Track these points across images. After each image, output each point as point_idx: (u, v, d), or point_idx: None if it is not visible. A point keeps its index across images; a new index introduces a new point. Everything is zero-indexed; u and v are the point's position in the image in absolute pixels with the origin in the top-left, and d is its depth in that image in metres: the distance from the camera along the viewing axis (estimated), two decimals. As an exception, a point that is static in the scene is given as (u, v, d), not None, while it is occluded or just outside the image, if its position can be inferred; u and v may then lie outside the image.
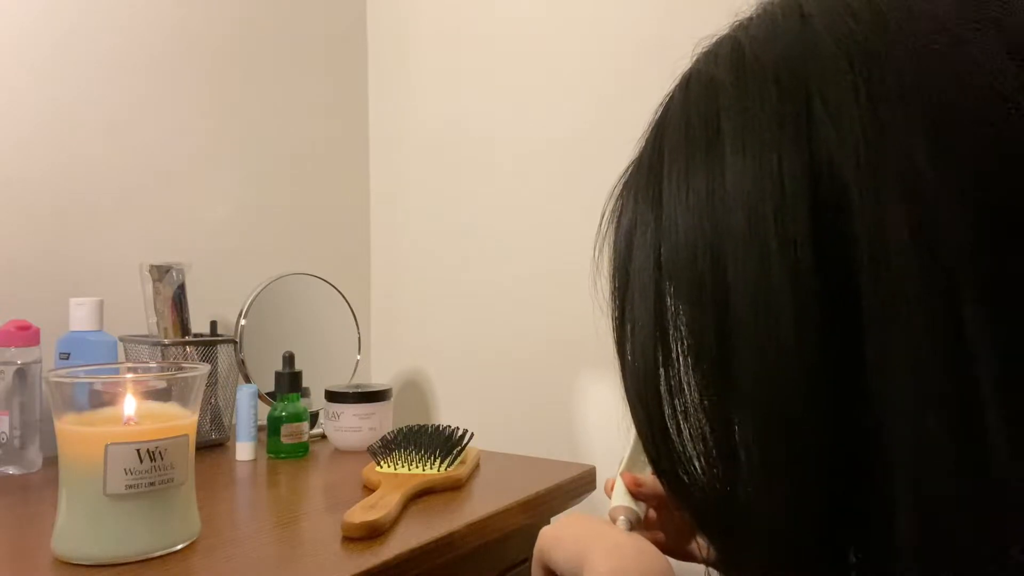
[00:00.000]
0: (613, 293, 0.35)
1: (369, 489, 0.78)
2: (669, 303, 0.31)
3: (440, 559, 0.65)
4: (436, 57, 1.33)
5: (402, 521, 0.69)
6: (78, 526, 0.59)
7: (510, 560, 0.80)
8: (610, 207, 0.36)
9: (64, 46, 1.00)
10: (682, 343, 0.30)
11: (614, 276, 0.35)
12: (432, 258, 1.33)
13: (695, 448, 0.31)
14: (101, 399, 0.61)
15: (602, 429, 1.12)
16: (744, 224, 0.28)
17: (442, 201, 1.32)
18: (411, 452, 0.82)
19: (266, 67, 1.26)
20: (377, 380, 1.39)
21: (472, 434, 0.88)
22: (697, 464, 0.31)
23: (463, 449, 0.85)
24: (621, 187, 0.35)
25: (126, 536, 0.58)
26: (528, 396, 1.19)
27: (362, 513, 0.66)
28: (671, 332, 0.31)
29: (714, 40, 0.33)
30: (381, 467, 0.82)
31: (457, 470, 0.82)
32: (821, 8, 0.29)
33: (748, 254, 0.28)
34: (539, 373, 1.18)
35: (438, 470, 0.80)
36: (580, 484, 0.86)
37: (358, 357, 1.18)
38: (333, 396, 0.98)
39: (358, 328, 1.18)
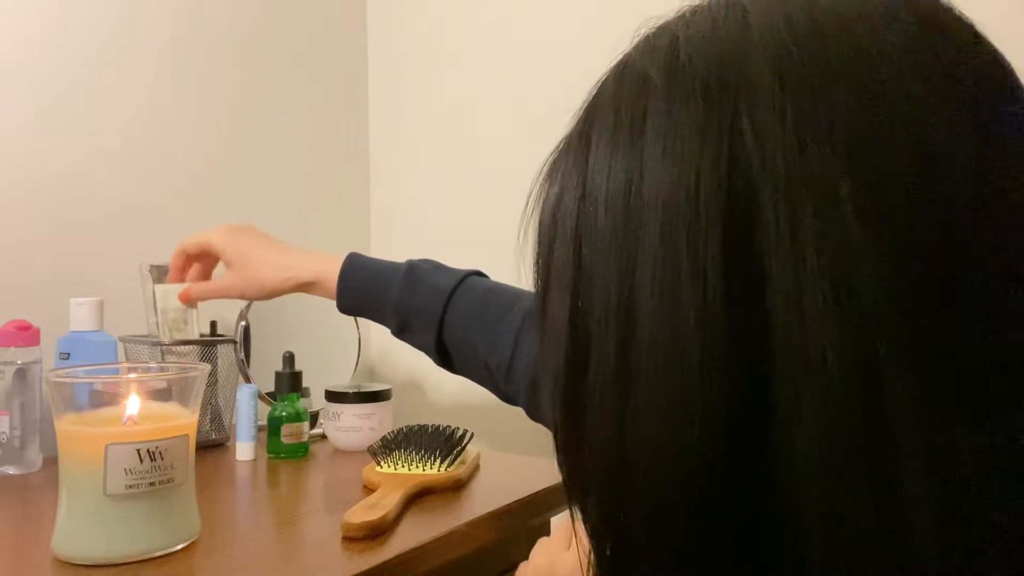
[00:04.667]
0: (535, 283, 0.33)
1: (369, 489, 0.78)
2: (581, 303, 0.29)
3: (440, 559, 0.65)
4: (436, 57, 1.33)
5: (402, 521, 0.69)
6: (78, 526, 0.59)
7: (510, 560, 0.80)
8: (536, 188, 0.34)
9: (64, 47, 1.00)
10: (589, 347, 0.29)
11: (536, 264, 0.33)
12: (432, 258, 1.33)
13: (595, 467, 0.30)
14: (101, 399, 0.61)
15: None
16: (656, 239, 0.27)
17: (442, 201, 1.32)
18: (411, 452, 0.82)
19: (266, 67, 1.26)
20: (377, 380, 1.39)
21: (472, 434, 0.88)
22: (596, 481, 0.30)
23: (463, 449, 0.85)
24: (548, 169, 0.34)
25: (126, 536, 0.58)
26: (528, 396, 1.19)
27: (362, 513, 0.66)
28: (582, 337, 0.29)
29: (656, 28, 0.31)
30: (381, 467, 0.82)
31: (457, 470, 0.82)
32: (762, 18, 0.28)
33: (657, 273, 0.27)
34: (539, 373, 1.18)
35: (438, 470, 0.80)
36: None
37: (358, 357, 1.18)
38: (333, 396, 0.98)
39: (358, 328, 1.18)
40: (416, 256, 1.38)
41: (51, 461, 0.70)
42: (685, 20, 0.30)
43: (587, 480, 0.30)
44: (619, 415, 0.28)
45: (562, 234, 0.31)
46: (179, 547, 0.61)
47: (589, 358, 0.29)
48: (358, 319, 1.18)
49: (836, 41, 0.26)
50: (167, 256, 1.00)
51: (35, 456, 0.85)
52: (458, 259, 1.29)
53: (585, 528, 0.31)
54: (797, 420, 0.24)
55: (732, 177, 0.26)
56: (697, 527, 0.27)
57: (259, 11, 1.24)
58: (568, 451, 0.31)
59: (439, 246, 1.31)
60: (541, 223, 0.33)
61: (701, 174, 0.26)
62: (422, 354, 1.35)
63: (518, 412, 1.21)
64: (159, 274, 0.95)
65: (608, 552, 0.30)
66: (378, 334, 1.41)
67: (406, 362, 1.37)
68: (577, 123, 0.32)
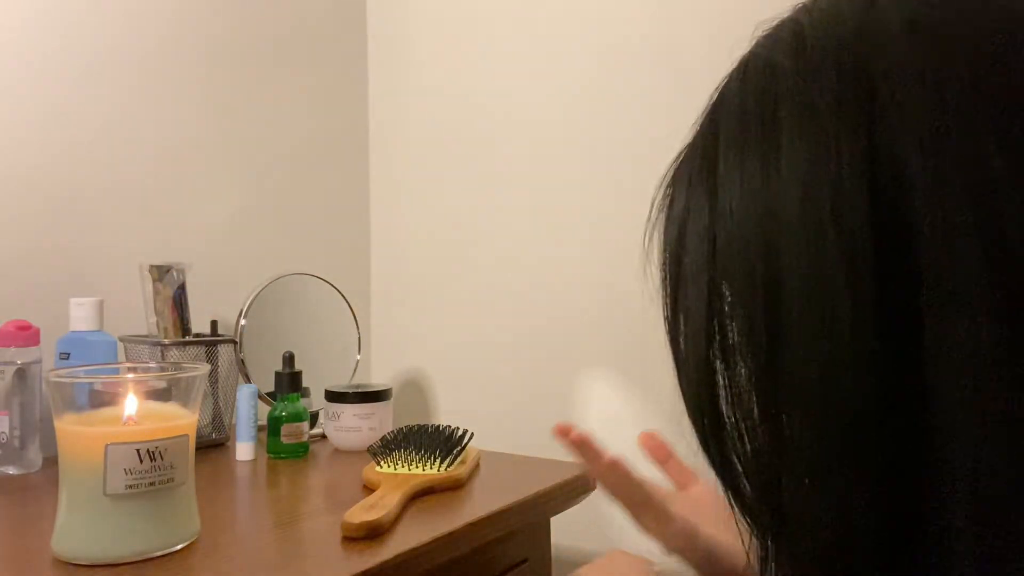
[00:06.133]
0: (664, 283, 0.34)
1: (369, 489, 0.78)
2: (721, 293, 0.30)
3: (440, 559, 0.65)
4: (436, 56, 1.33)
5: (402, 521, 0.69)
6: (78, 526, 0.59)
7: (510, 560, 0.80)
8: (660, 195, 0.35)
9: (63, 45, 1.00)
10: (734, 334, 0.30)
11: (665, 265, 0.34)
12: (432, 258, 1.33)
13: (746, 443, 0.30)
14: (101, 399, 0.61)
15: (602, 429, 1.12)
16: (799, 211, 0.27)
17: (442, 201, 1.32)
18: (411, 452, 0.82)
19: (266, 66, 1.26)
20: (377, 380, 1.39)
21: (472, 434, 0.88)
22: (749, 459, 0.30)
23: (463, 449, 0.85)
24: (672, 174, 0.34)
25: (126, 536, 0.58)
26: (528, 396, 1.19)
27: (362, 513, 0.66)
28: (723, 323, 0.30)
29: (774, 24, 0.32)
30: (381, 467, 0.82)
31: (457, 470, 0.82)
32: None
33: (802, 242, 0.27)
34: (539, 372, 1.18)
35: (438, 470, 0.80)
36: (580, 484, 0.85)
37: (358, 357, 1.18)
38: (333, 396, 0.98)
39: (358, 328, 1.18)
40: (416, 253, 1.38)
41: (51, 461, 0.70)
42: (807, 9, 0.31)
43: (738, 467, 0.31)
44: (771, 396, 0.28)
45: (693, 234, 0.31)
46: (179, 547, 0.61)
47: (731, 343, 0.30)
48: (357, 319, 1.18)
49: None
50: (167, 256, 1.00)
51: (35, 456, 0.85)
52: (458, 259, 1.29)
53: (743, 516, 0.31)
54: (946, 361, 0.25)
55: (874, 142, 0.26)
56: (848, 482, 0.27)
57: (260, 9, 1.24)
58: (713, 435, 0.32)
59: (439, 249, 1.32)
60: (667, 230, 0.33)
61: (842, 144, 0.26)
62: (422, 354, 1.35)
63: (518, 412, 1.21)
64: (159, 274, 0.95)
65: (770, 534, 0.30)
66: (378, 334, 1.41)
67: (406, 362, 1.37)
68: (701, 127, 0.33)
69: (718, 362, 0.30)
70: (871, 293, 0.26)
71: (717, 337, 0.30)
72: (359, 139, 1.42)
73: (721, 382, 0.31)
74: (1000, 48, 0.26)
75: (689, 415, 0.33)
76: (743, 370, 0.29)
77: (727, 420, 0.31)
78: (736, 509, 0.32)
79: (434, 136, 1.33)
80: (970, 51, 0.26)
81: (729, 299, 0.30)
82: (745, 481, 0.31)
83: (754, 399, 0.29)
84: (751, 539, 0.31)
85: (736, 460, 0.31)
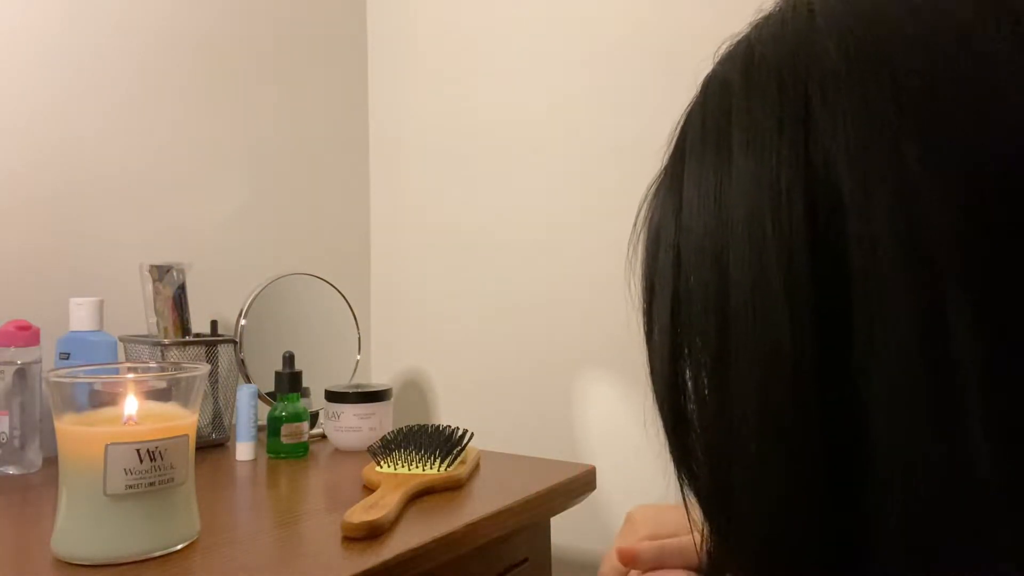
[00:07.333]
0: (643, 292, 0.36)
1: (369, 489, 0.78)
2: (685, 303, 0.32)
3: (440, 559, 0.65)
4: (437, 57, 1.33)
5: (402, 521, 0.69)
6: (78, 526, 0.59)
7: (510, 560, 0.80)
8: (643, 211, 0.37)
9: (63, 45, 1.00)
10: (692, 339, 0.32)
11: (643, 276, 0.36)
12: (432, 258, 1.33)
13: (702, 438, 0.32)
14: (101, 399, 0.61)
15: (602, 429, 1.12)
16: (743, 225, 0.29)
17: (442, 201, 1.32)
18: (411, 452, 0.82)
19: (266, 67, 1.26)
20: (377, 380, 1.39)
21: (472, 434, 0.88)
22: (704, 452, 0.32)
23: (463, 449, 0.85)
24: (653, 191, 0.36)
25: (126, 536, 0.58)
26: (528, 396, 1.19)
27: (362, 513, 0.66)
28: (684, 329, 0.32)
29: (734, 41, 0.33)
30: (381, 467, 0.82)
31: (457, 470, 0.82)
32: (826, 9, 0.30)
33: (746, 255, 0.29)
34: (539, 373, 1.18)
35: (438, 470, 0.80)
36: (580, 484, 0.86)
37: (358, 357, 1.18)
38: (333, 396, 0.98)
39: (358, 328, 1.18)
40: (416, 253, 1.38)
41: (51, 461, 0.70)
42: (758, 26, 0.32)
43: (694, 456, 0.33)
44: (722, 396, 0.30)
45: (664, 247, 0.33)
46: (179, 547, 0.61)
47: (690, 348, 0.32)
48: (357, 319, 1.18)
49: (895, 9, 0.28)
50: (167, 256, 1.00)
51: (35, 456, 0.85)
52: (458, 259, 1.29)
53: (698, 502, 0.33)
54: (873, 370, 0.26)
55: (810, 157, 0.28)
56: (789, 481, 0.28)
57: (261, 10, 1.24)
58: (676, 432, 0.34)
59: (439, 249, 1.32)
60: (647, 244, 0.36)
61: (782, 159, 0.28)
62: (422, 354, 1.35)
63: (518, 412, 1.21)
64: (159, 274, 0.95)
65: (720, 527, 0.32)
66: (378, 334, 1.41)
67: (406, 362, 1.37)
68: (672, 146, 0.35)
69: (682, 364, 0.32)
70: (808, 307, 0.27)
71: (679, 342, 0.32)
72: (359, 139, 1.42)
73: (684, 385, 0.33)
74: (923, 56, 0.27)
75: (657, 411, 0.35)
76: (701, 372, 0.31)
77: (689, 418, 0.33)
78: (690, 501, 0.34)
79: (434, 136, 1.33)
80: (895, 61, 0.27)
81: (688, 307, 0.32)
82: (701, 473, 0.33)
83: (708, 399, 0.31)
84: (703, 532, 0.34)
85: (693, 453, 0.33)
